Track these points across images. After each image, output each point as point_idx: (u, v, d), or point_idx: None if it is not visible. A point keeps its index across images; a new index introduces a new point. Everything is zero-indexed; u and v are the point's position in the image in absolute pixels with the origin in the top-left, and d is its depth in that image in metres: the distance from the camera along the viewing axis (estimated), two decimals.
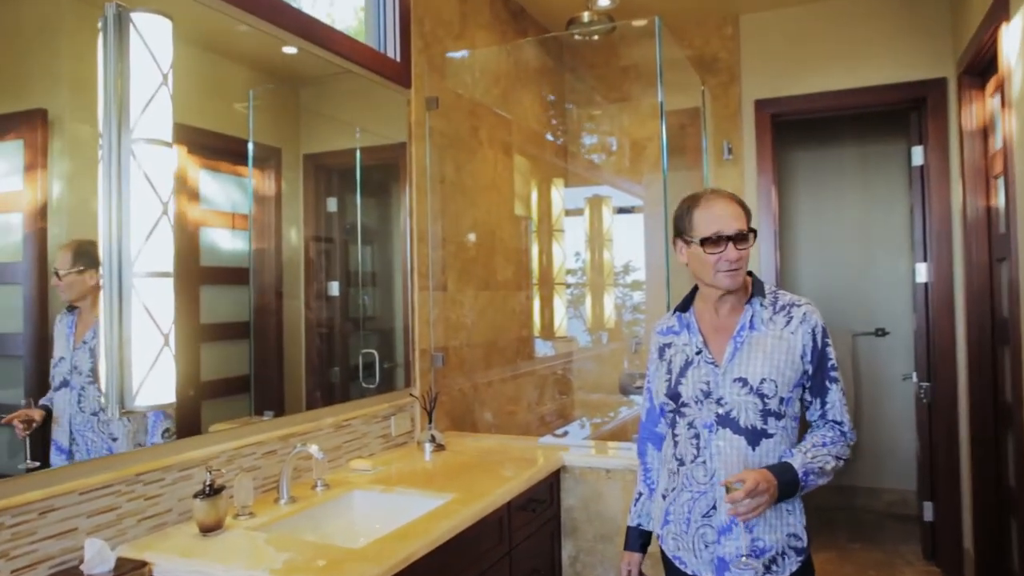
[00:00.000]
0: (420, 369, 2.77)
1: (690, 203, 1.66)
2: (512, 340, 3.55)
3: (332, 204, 2.52)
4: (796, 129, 4.76)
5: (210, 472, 1.72)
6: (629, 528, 1.85)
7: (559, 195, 4.11)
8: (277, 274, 2.21)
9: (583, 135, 4.46)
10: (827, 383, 1.65)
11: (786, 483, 1.54)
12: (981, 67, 3.11)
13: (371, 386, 2.56)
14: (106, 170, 1.54)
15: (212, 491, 1.68)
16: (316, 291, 2.38)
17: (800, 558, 1.65)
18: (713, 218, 1.61)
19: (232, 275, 2.07)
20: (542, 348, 3.92)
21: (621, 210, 4.34)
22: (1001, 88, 2.65)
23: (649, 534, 1.84)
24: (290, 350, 2.27)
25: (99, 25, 1.56)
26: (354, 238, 2.60)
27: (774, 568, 1.62)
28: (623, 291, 4.37)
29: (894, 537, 4.27)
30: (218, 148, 2.03)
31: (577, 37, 3.52)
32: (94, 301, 1.64)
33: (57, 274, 1.59)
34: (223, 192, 2.05)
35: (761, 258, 3.87)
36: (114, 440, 1.66)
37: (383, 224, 2.79)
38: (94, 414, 1.63)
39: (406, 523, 1.75)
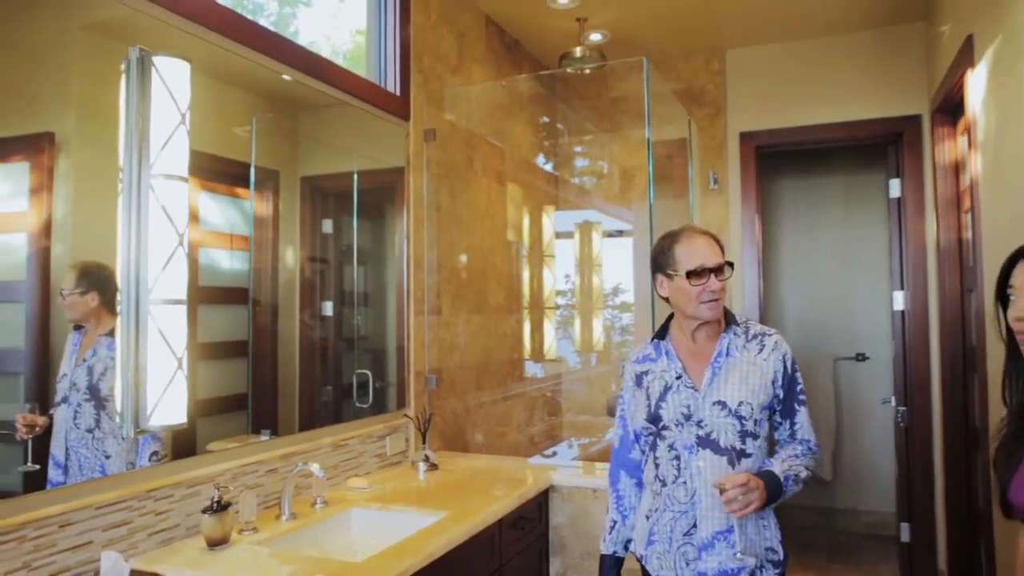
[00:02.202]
0: (415, 390, 2.87)
1: (670, 240, 1.79)
2: (503, 362, 3.65)
3: (328, 226, 2.57)
4: (781, 160, 4.92)
5: (218, 489, 1.81)
6: (604, 556, 1.92)
7: (550, 221, 4.23)
8: (273, 294, 2.27)
9: (574, 162, 4.60)
10: (796, 406, 1.79)
11: (771, 487, 1.66)
12: (952, 107, 3.27)
13: (364, 405, 2.63)
14: (126, 203, 1.64)
15: (220, 507, 1.78)
16: (311, 311, 2.44)
17: (777, 571, 1.76)
18: (696, 252, 1.74)
19: (229, 295, 2.12)
20: (532, 370, 4.02)
21: (611, 234, 4.47)
22: (968, 129, 2.80)
23: (622, 561, 1.93)
24: (285, 369, 2.32)
25: (122, 67, 1.67)
26: (349, 259, 2.66)
27: None
28: (612, 313, 4.48)
29: (873, 558, 4.37)
30: (217, 170, 2.07)
31: (569, 70, 3.66)
32: (97, 321, 1.72)
33: (62, 294, 1.65)
34: (222, 213, 2.11)
35: (745, 285, 4.00)
36: (107, 458, 1.70)
37: (377, 246, 2.86)
38: (88, 431, 1.68)
39: (402, 539, 1.85)
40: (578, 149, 4.58)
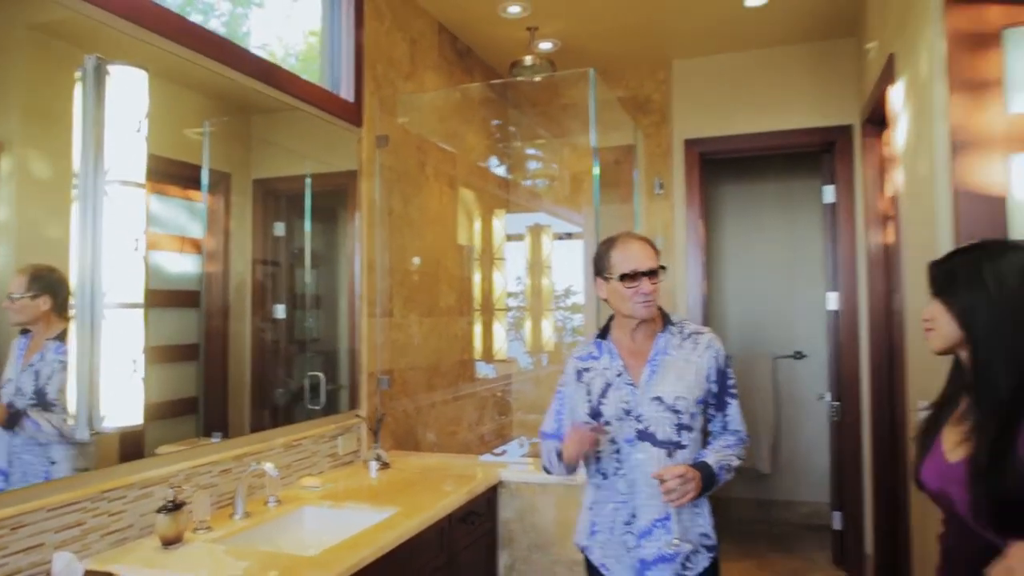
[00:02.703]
0: (367, 391, 2.93)
1: (608, 245, 1.90)
2: (454, 363, 3.73)
3: (280, 228, 2.59)
4: (724, 166, 5.10)
5: (172, 489, 1.84)
6: (556, 449, 1.90)
7: (501, 224, 4.32)
8: (225, 297, 2.28)
9: (525, 167, 4.70)
10: (728, 399, 1.93)
11: (706, 476, 1.78)
12: (878, 119, 3.46)
13: (316, 407, 2.66)
14: (81, 208, 1.67)
15: (174, 507, 1.81)
16: (263, 314, 2.46)
17: (711, 555, 1.88)
18: (630, 257, 1.85)
19: (180, 298, 2.13)
20: (483, 371, 4.11)
21: (561, 236, 4.59)
22: (891, 140, 2.98)
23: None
24: (237, 372, 2.34)
25: (78, 75, 1.69)
26: (301, 262, 2.68)
27: (689, 565, 1.84)
28: (564, 314, 4.60)
29: (809, 546, 4.59)
30: (169, 173, 2.07)
31: (520, 78, 3.76)
32: (46, 325, 1.74)
33: (10, 297, 1.65)
34: (173, 216, 2.12)
35: (689, 286, 4.16)
36: (52, 464, 1.70)
37: (330, 249, 2.89)
38: (32, 436, 1.69)
39: (354, 534, 1.91)
40: (529, 153, 4.69)
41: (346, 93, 2.90)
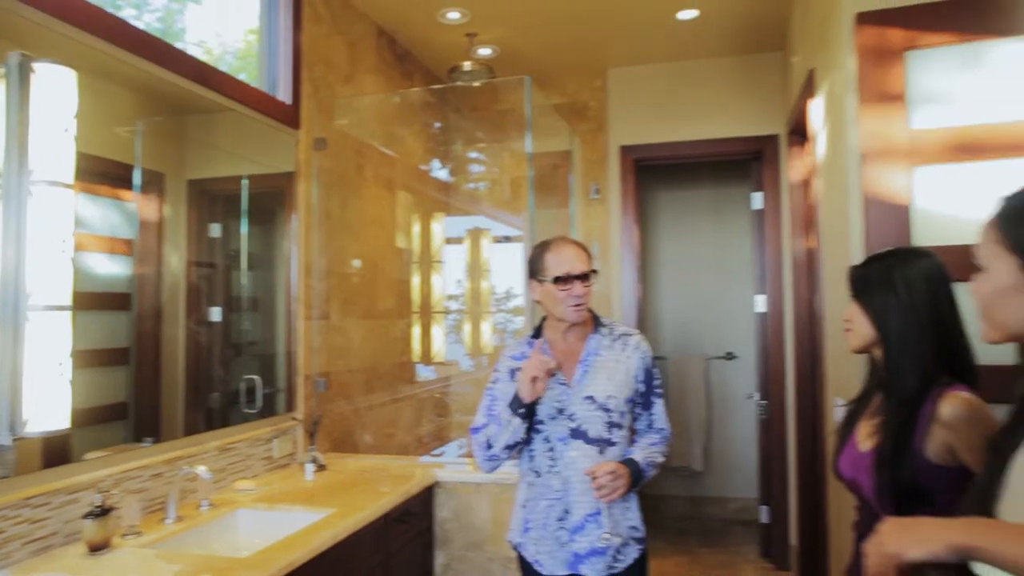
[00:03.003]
0: (303, 394, 2.92)
1: (542, 249, 1.96)
2: (393, 366, 3.74)
3: (216, 230, 2.56)
4: (659, 172, 5.25)
5: (100, 494, 1.82)
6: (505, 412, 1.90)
7: (440, 227, 4.35)
8: (158, 299, 2.24)
9: (465, 170, 4.75)
10: (653, 398, 2.01)
11: (634, 472, 1.87)
12: (801, 130, 3.63)
13: (252, 411, 2.64)
14: (4, 210, 1.64)
15: (102, 512, 1.79)
16: (198, 316, 2.42)
17: (640, 547, 1.97)
18: (563, 260, 1.92)
19: (111, 300, 2.09)
20: (423, 373, 4.13)
21: (500, 240, 4.64)
22: (812, 150, 3.14)
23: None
24: (170, 376, 2.31)
25: (0, 72, 1.66)
26: (238, 264, 2.66)
27: (620, 557, 1.91)
28: (505, 316, 4.65)
29: (738, 540, 4.75)
30: (99, 172, 2.03)
31: (459, 83, 3.80)
32: None
33: None
34: (103, 216, 2.07)
35: (624, 289, 4.27)
36: None
37: (267, 250, 2.87)
38: None
39: (289, 535, 1.92)
40: (469, 157, 4.73)
41: (283, 95, 2.89)
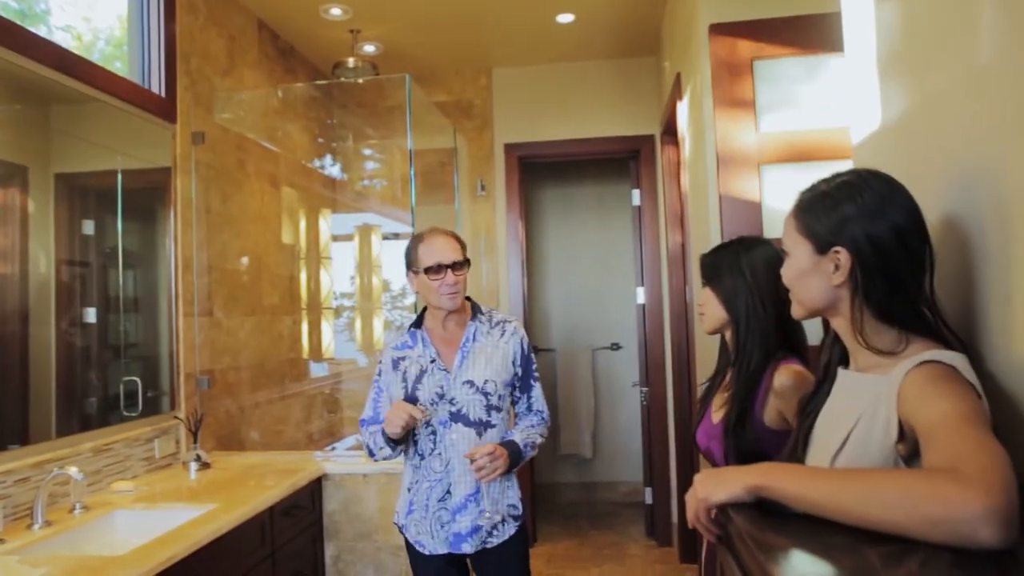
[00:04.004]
0: (185, 392, 2.86)
1: (416, 241, 2.05)
2: (280, 362, 3.71)
3: (89, 227, 2.46)
4: (543, 170, 5.42)
5: None
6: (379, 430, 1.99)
7: (327, 224, 4.33)
8: (23, 300, 2.14)
9: (352, 167, 4.74)
10: (531, 382, 2.13)
11: (513, 453, 1.97)
12: (673, 130, 3.87)
13: (133, 414, 2.56)
14: None
15: None
16: (70, 318, 2.33)
17: (517, 523, 2.08)
18: (435, 251, 2.00)
19: None
20: (312, 369, 4.10)
21: (389, 236, 4.66)
22: (681, 149, 3.36)
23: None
24: (39, 380, 2.21)
25: None
26: (114, 262, 2.56)
27: (495, 532, 2.02)
28: (399, 312, 4.68)
29: (625, 521, 4.99)
30: None
31: (343, 79, 3.81)
32: None
33: None
34: None
35: (510, 283, 4.39)
36: None
37: (147, 248, 2.79)
38: None
39: (168, 531, 1.90)
40: (356, 153, 4.72)
41: (157, 87, 2.82)
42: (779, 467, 0.91)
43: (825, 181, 1.11)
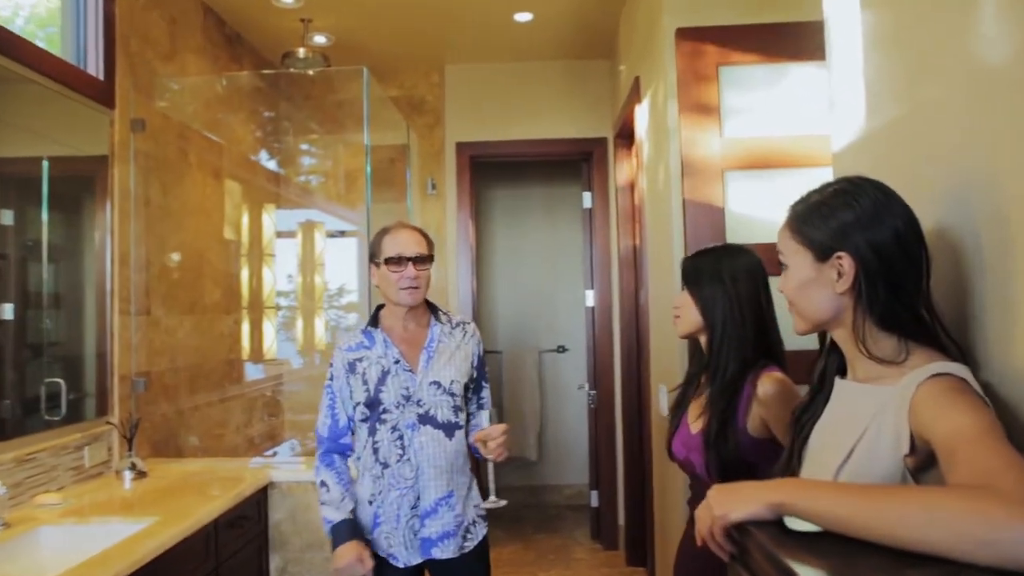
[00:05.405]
0: (119, 395, 2.68)
1: (382, 233, 1.99)
2: (220, 363, 3.53)
3: (8, 217, 2.28)
4: (494, 170, 5.36)
5: None
6: (339, 523, 1.89)
7: (271, 219, 4.17)
8: None
9: (297, 161, 4.57)
10: (483, 382, 2.12)
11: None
12: (627, 133, 3.87)
13: (56, 418, 2.38)
14: None
15: None
16: None
17: (485, 523, 2.05)
18: (398, 242, 1.94)
19: None
20: (252, 371, 3.93)
21: (334, 234, 4.52)
22: (638, 154, 3.36)
23: (356, 524, 1.93)
24: None
25: None
26: (36, 256, 2.39)
27: (469, 536, 1.98)
28: (338, 313, 4.54)
29: (571, 525, 4.98)
30: None
31: (292, 70, 3.66)
32: None
33: None
34: None
35: (460, 283, 4.32)
36: None
37: (75, 241, 2.62)
38: None
39: (105, 549, 1.76)
40: (302, 148, 4.57)
41: (95, 69, 2.63)
42: (801, 483, 0.88)
43: (816, 191, 1.09)
